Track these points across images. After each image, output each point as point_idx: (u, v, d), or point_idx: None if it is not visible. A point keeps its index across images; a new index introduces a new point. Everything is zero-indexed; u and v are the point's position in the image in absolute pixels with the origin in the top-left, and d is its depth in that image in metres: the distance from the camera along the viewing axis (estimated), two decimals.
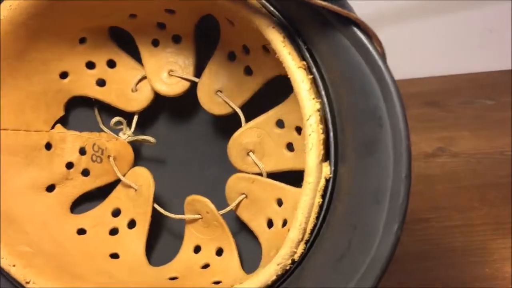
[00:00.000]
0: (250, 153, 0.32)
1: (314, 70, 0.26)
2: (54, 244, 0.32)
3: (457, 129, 0.48)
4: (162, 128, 0.36)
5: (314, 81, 0.26)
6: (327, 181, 0.26)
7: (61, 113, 0.34)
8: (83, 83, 0.34)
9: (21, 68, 0.32)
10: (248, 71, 0.32)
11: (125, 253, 0.33)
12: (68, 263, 0.31)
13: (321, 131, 0.26)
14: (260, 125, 0.32)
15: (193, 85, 0.33)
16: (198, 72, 0.33)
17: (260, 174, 0.32)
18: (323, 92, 0.26)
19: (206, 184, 0.35)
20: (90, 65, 0.35)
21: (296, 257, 0.27)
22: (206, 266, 0.33)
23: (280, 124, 0.32)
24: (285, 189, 0.31)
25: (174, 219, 0.34)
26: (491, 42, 0.55)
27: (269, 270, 0.27)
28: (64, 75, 0.34)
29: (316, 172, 0.26)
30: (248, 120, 0.32)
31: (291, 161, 0.31)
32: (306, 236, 0.26)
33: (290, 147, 0.32)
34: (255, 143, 0.32)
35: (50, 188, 0.34)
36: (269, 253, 0.31)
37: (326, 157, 0.26)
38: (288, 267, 0.27)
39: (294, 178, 0.30)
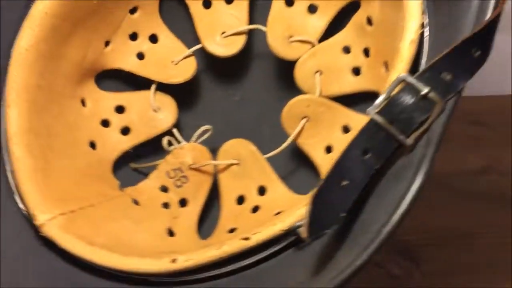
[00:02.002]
0: (317, 74, 0.30)
1: None
2: None
3: (504, 149, 0.49)
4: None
5: None
6: None
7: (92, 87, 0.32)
8: (124, 55, 0.32)
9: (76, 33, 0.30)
10: (313, 9, 0.31)
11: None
12: None
13: None
14: (325, 50, 0.30)
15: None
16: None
17: None
18: None
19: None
20: (133, 37, 0.32)
21: None
22: (256, 208, 0.30)
23: (346, 49, 0.30)
24: (354, 116, 0.29)
25: None
26: None
27: None
28: (107, 43, 0.32)
29: None
30: None
31: (355, 85, 0.30)
32: None
33: (355, 71, 0.30)
34: (320, 66, 0.30)
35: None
36: None
37: None
38: None
39: None
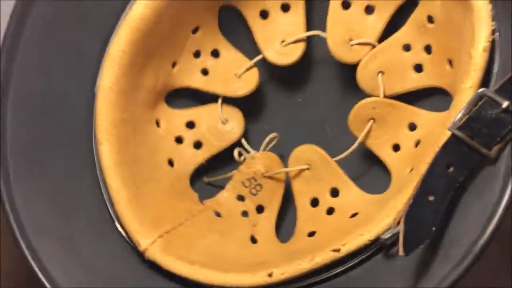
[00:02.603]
0: (379, 75, 0.31)
1: None
2: None
3: None
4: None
5: None
6: None
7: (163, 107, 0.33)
8: (189, 73, 0.33)
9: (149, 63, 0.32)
10: (370, 10, 0.32)
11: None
12: None
13: None
14: (385, 50, 0.31)
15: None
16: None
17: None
18: None
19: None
20: (197, 54, 0.34)
21: None
22: (331, 210, 0.31)
23: (406, 47, 0.31)
24: (419, 113, 0.30)
25: None
26: None
27: None
28: (174, 64, 0.33)
29: None
30: None
31: (418, 81, 0.31)
32: None
33: (417, 68, 0.31)
34: (382, 66, 0.31)
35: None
36: (404, 173, 0.29)
37: None
38: None
39: None
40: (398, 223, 0.23)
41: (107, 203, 0.29)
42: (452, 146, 0.22)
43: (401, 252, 0.21)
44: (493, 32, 0.24)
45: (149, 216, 0.29)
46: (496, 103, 0.21)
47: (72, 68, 0.30)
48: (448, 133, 0.22)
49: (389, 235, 0.23)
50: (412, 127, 0.31)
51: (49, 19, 0.31)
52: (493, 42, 0.24)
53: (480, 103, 0.22)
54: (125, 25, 0.30)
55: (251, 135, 0.35)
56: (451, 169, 0.22)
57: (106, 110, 0.29)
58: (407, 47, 0.31)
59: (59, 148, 0.29)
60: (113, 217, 0.29)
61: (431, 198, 0.22)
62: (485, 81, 0.24)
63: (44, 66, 0.30)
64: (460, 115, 0.22)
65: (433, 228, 0.21)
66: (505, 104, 0.21)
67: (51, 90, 0.30)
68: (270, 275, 0.26)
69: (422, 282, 0.21)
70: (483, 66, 0.24)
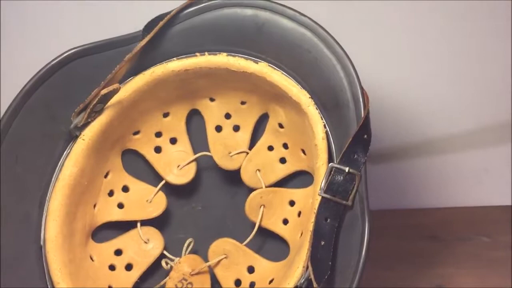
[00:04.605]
0: (257, 172, 0.41)
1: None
2: None
3: (455, 266, 0.51)
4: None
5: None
6: None
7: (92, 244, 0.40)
8: (108, 210, 0.40)
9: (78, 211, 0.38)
10: (236, 128, 0.42)
11: None
12: None
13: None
14: (256, 153, 0.41)
15: None
16: None
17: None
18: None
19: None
20: (111, 193, 0.41)
21: None
22: (252, 284, 0.39)
23: (270, 148, 0.42)
24: (294, 192, 0.40)
25: None
26: (487, 180, 0.56)
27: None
28: (94, 206, 0.40)
29: None
30: None
31: (285, 170, 0.41)
32: None
33: (282, 160, 0.42)
34: (257, 165, 0.41)
35: None
36: (296, 237, 0.38)
37: None
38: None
39: None
40: (307, 268, 0.32)
41: None
42: (324, 205, 0.32)
43: (315, 285, 0.30)
44: (324, 126, 0.36)
45: None
46: (341, 170, 0.33)
47: (20, 231, 0.35)
48: (319, 198, 0.33)
49: (303, 280, 0.32)
50: (292, 203, 0.41)
51: None
52: (326, 133, 0.36)
53: (332, 172, 0.33)
54: (58, 183, 0.37)
55: (169, 244, 0.42)
56: (329, 220, 0.32)
57: (56, 255, 0.35)
58: (271, 148, 0.42)
59: None
60: None
61: (322, 242, 0.31)
62: (330, 158, 0.35)
63: None
64: (322, 184, 0.33)
65: (330, 263, 0.31)
66: (346, 169, 0.33)
67: (4, 254, 0.35)
68: None
69: None
70: (326, 149, 0.35)
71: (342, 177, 0.32)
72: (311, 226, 0.33)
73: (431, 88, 0.52)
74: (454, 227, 0.55)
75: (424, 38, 0.50)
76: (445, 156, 0.56)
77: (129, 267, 0.40)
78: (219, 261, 0.40)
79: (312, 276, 0.30)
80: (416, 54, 0.51)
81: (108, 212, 0.41)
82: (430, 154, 0.56)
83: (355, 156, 0.32)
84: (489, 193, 0.57)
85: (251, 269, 0.40)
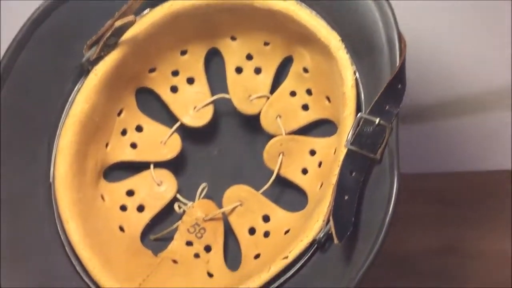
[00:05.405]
0: (277, 118, 0.39)
1: None
2: None
3: (467, 228, 0.49)
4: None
5: None
6: None
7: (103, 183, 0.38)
8: (121, 149, 0.39)
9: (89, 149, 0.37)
10: (258, 71, 0.40)
11: None
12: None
13: None
14: (277, 99, 0.39)
15: None
16: None
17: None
18: None
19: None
20: (124, 132, 0.39)
21: None
22: (267, 233, 0.37)
23: (293, 93, 0.39)
24: (315, 141, 0.38)
25: None
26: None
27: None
28: (107, 145, 0.39)
29: None
30: None
31: (307, 117, 0.39)
32: None
33: (305, 107, 0.39)
34: (278, 111, 0.39)
35: None
36: (316, 189, 0.37)
37: None
38: None
39: None
40: (327, 223, 0.30)
41: (81, 273, 0.33)
42: (350, 157, 0.30)
43: (336, 240, 0.28)
44: (354, 73, 0.33)
45: (121, 275, 0.34)
46: (371, 121, 0.30)
47: (28, 168, 0.34)
48: (344, 150, 0.31)
49: (322, 234, 0.31)
50: (313, 152, 0.38)
51: None
52: (356, 80, 0.33)
53: (360, 123, 0.31)
54: (69, 120, 0.35)
55: (183, 189, 0.40)
56: (354, 173, 0.30)
57: (66, 193, 0.34)
58: (293, 93, 0.39)
59: (31, 238, 0.33)
60: (89, 284, 0.33)
61: (346, 197, 0.30)
62: (358, 108, 0.33)
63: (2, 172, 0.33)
64: (349, 135, 0.31)
65: (353, 219, 0.29)
66: (377, 121, 0.30)
67: (12, 192, 0.34)
68: None
69: (356, 258, 0.29)
70: (355, 98, 0.33)
71: (371, 129, 0.30)
72: (334, 179, 0.31)
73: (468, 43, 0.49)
74: (466, 191, 0.52)
75: None
76: (477, 116, 0.53)
77: (140, 208, 0.39)
78: (233, 208, 0.39)
79: (333, 231, 0.29)
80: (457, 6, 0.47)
81: (121, 152, 0.39)
82: (457, 115, 0.53)
83: (387, 107, 0.30)
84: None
85: (266, 218, 0.38)
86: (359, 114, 0.31)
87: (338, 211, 0.29)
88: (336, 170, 0.31)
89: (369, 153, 0.30)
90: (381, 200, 0.29)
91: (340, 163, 0.31)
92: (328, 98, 0.38)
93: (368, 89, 0.32)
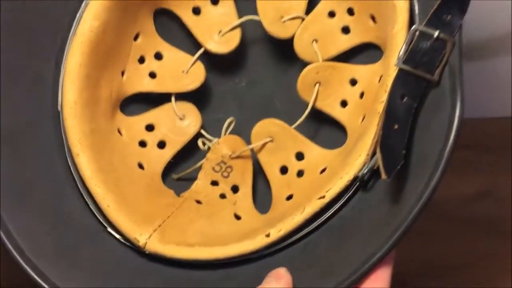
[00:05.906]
0: (313, 43, 0.34)
1: None
2: None
3: (503, 173, 0.47)
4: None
5: None
6: None
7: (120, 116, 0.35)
8: (138, 79, 0.35)
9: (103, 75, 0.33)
10: (346, 30, 0.34)
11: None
12: None
13: None
14: (313, 20, 0.34)
15: None
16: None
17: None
18: None
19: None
20: (141, 60, 0.35)
21: None
22: (300, 173, 0.34)
23: (331, 14, 0.34)
24: (356, 69, 0.33)
25: None
26: None
27: None
28: (123, 73, 0.35)
29: None
30: None
31: (348, 41, 0.34)
32: None
33: (345, 30, 0.34)
34: (314, 35, 0.34)
35: None
36: (357, 123, 0.32)
37: None
38: None
39: None
40: (373, 156, 0.26)
41: (94, 211, 0.30)
42: (401, 79, 0.25)
43: (383, 176, 0.24)
44: None
45: (139, 215, 0.30)
46: (428, 35, 0.25)
47: (32, 93, 0.31)
48: (395, 70, 0.26)
49: (366, 170, 0.27)
50: (353, 82, 0.34)
51: None
52: None
53: (415, 38, 0.26)
54: (76, 39, 0.31)
55: (207, 125, 0.37)
56: (406, 98, 0.25)
57: (75, 123, 0.30)
58: (332, 14, 0.35)
59: (38, 173, 0.30)
60: (104, 223, 0.30)
61: (396, 126, 0.25)
62: (411, 22, 0.28)
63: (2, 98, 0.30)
64: (401, 51, 0.26)
65: (404, 151, 0.25)
66: (436, 33, 0.25)
67: (15, 121, 0.30)
68: (267, 235, 0.28)
69: (406, 197, 0.25)
70: (407, 9, 0.28)
71: (428, 44, 0.25)
72: (380, 107, 0.26)
73: None
74: (503, 137, 0.49)
75: None
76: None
77: (161, 144, 0.35)
78: (263, 145, 0.35)
79: (381, 165, 0.24)
80: None
81: (139, 81, 0.35)
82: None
83: (448, 18, 0.25)
84: None
85: (300, 156, 0.34)
86: (413, 27, 0.26)
87: (386, 142, 0.24)
88: (384, 97, 0.27)
89: (425, 74, 0.25)
90: (439, 129, 0.24)
91: (388, 88, 0.26)
92: (373, 18, 0.33)
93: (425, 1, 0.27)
